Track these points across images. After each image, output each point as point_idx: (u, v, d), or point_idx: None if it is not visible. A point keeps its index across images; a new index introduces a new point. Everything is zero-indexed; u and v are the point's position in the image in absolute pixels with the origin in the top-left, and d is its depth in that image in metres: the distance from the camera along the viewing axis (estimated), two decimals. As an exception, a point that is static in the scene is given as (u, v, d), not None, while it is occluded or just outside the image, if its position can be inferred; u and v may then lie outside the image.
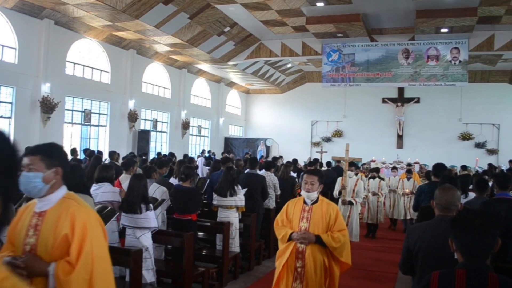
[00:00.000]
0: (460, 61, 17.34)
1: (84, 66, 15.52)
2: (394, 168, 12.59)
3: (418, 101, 23.99)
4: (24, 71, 13.06)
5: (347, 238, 4.12)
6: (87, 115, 15.75)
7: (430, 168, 9.15)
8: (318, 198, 4.22)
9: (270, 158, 19.56)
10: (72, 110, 15.22)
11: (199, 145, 23.99)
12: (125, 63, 17.23)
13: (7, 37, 12.71)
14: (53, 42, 13.68)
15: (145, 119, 19.09)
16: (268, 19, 16.13)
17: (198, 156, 18.88)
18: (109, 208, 5.04)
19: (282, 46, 19.00)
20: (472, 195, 5.90)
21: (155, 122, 19.83)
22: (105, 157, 12.15)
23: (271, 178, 8.56)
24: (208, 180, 8.34)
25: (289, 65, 23.61)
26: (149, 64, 18.88)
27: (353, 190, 8.33)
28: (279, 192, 8.74)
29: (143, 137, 17.91)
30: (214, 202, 7.02)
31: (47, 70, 13.54)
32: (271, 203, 8.41)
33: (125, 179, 6.49)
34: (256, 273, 7.10)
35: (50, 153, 2.47)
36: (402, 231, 11.19)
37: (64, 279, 2.25)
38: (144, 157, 13.96)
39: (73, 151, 12.25)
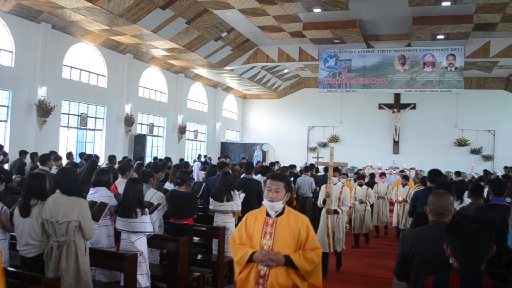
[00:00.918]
0: (456, 68, 17.43)
1: (81, 70, 15.50)
2: (382, 175, 12.10)
3: (414, 107, 24.07)
4: (21, 74, 13.04)
5: (320, 257, 3.44)
6: (83, 119, 15.72)
7: (426, 174, 9.17)
8: (284, 209, 3.49)
9: (266, 163, 19.58)
10: (69, 114, 15.19)
11: (195, 149, 23.96)
12: (122, 68, 17.22)
13: (4, 40, 12.68)
14: (50, 46, 13.67)
15: (141, 124, 19.07)
16: (265, 24, 16.18)
17: (194, 161, 18.85)
18: (99, 202, 5.04)
19: (279, 51, 19.05)
20: (467, 201, 5.92)
21: (151, 126, 19.81)
22: (103, 161, 12.12)
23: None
24: (204, 184, 8.34)
25: (285, 71, 23.66)
26: (146, 69, 18.87)
27: (339, 198, 7.49)
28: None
29: (140, 142, 17.87)
30: (211, 207, 7.02)
31: (43, 73, 13.52)
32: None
33: (121, 184, 6.48)
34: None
35: None
36: (395, 236, 11.10)
37: None
38: (140, 162, 13.93)
39: (69, 155, 12.23)
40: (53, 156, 9.95)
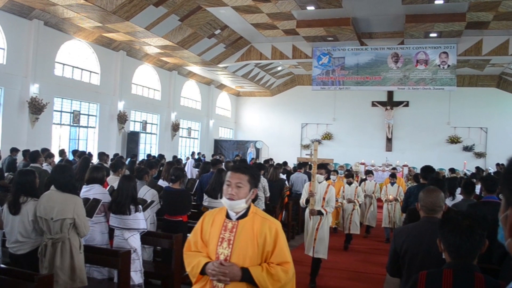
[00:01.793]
0: (448, 66, 17.51)
1: (73, 67, 15.41)
2: (369, 172, 11.68)
3: (407, 104, 24.15)
4: (13, 71, 12.95)
5: (291, 275, 2.69)
6: (76, 116, 15.64)
7: (418, 171, 9.19)
8: (248, 210, 2.78)
9: (260, 161, 19.60)
10: (61, 111, 15.10)
11: (188, 147, 23.93)
12: (115, 65, 17.14)
13: (-4, 37, 12.62)
14: (42, 43, 13.58)
15: (134, 121, 19.01)
16: (259, 22, 16.16)
17: (188, 158, 18.83)
18: (92, 199, 5.03)
19: (273, 49, 19.04)
20: (459, 197, 5.96)
21: (144, 124, 19.75)
22: (95, 158, 12.09)
23: (260, 180, 8.59)
24: (198, 181, 8.35)
25: (279, 68, 23.66)
26: (139, 66, 18.81)
27: (323, 198, 6.75)
28: (268, 194, 8.82)
29: (133, 139, 17.82)
30: (205, 204, 7.03)
31: (36, 70, 13.43)
32: (260, 205, 8.43)
33: (113, 181, 6.47)
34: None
35: None
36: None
37: None
38: (133, 159, 13.90)
39: (62, 152, 12.18)
40: (46, 153, 9.92)
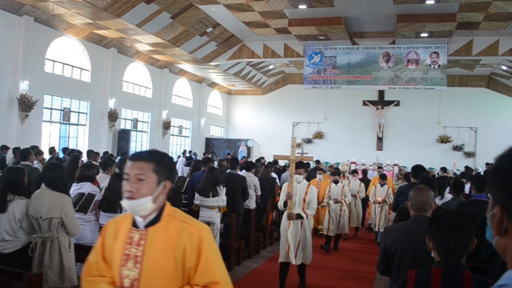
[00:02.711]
0: (439, 65, 17.63)
1: (64, 64, 15.29)
2: (354, 172, 11.34)
3: (398, 104, 24.25)
4: (2, 68, 12.81)
5: None
6: (66, 114, 15.53)
7: (409, 170, 9.23)
8: (161, 212, 2.06)
9: (252, 159, 19.58)
10: (51, 109, 14.99)
11: (180, 145, 23.87)
12: (106, 62, 17.03)
13: (-15, 33, 12.48)
14: (32, 39, 13.45)
15: (125, 119, 18.92)
16: (251, 20, 16.15)
17: (179, 157, 18.78)
18: (87, 193, 4.99)
19: (264, 47, 19.04)
20: (448, 196, 6.01)
21: (135, 121, 19.67)
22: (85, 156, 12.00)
23: (251, 179, 8.62)
24: (188, 179, 8.32)
25: (271, 67, 23.66)
26: (130, 63, 18.71)
27: (304, 200, 6.04)
28: (259, 193, 8.83)
29: (123, 137, 17.73)
30: (197, 202, 7.00)
31: (25, 67, 13.30)
32: (251, 203, 8.44)
33: (103, 179, 6.43)
34: (235, 274, 7.09)
35: None
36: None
37: None
38: (124, 157, 13.82)
39: (52, 150, 12.08)
40: (35, 150, 9.84)
